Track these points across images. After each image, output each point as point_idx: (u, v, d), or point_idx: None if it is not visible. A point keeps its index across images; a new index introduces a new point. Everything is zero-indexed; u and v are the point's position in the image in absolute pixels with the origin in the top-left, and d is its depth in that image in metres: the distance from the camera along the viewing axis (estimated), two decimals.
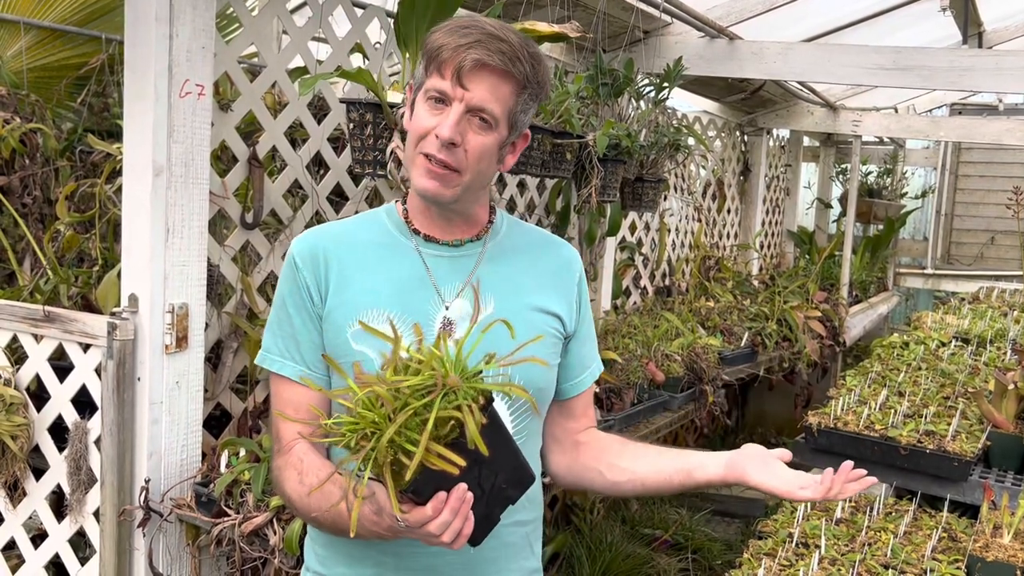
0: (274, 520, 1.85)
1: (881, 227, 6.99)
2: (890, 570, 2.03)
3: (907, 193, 7.32)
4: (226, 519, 1.89)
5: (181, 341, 2.02)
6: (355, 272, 1.34)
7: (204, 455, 2.13)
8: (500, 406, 1.38)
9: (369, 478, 1.07)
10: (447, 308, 1.34)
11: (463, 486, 1.05)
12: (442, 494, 1.05)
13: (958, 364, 3.54)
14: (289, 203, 2.54)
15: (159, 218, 1.93)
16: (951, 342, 4.00)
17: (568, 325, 1.43)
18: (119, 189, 2.04)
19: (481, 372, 1.09)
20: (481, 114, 1.24)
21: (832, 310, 5.14)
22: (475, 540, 1.11)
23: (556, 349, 1.41)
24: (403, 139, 2.10)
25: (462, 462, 0.99)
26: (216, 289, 2.23)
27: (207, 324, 2.19)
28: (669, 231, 4.92)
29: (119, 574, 2.00)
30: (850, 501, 2.46)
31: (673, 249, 5.07)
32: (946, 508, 2.39)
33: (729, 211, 5.70)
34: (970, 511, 2.47)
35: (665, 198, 4.77)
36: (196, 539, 2.01)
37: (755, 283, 5.25)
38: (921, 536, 2.26)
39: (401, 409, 1.01)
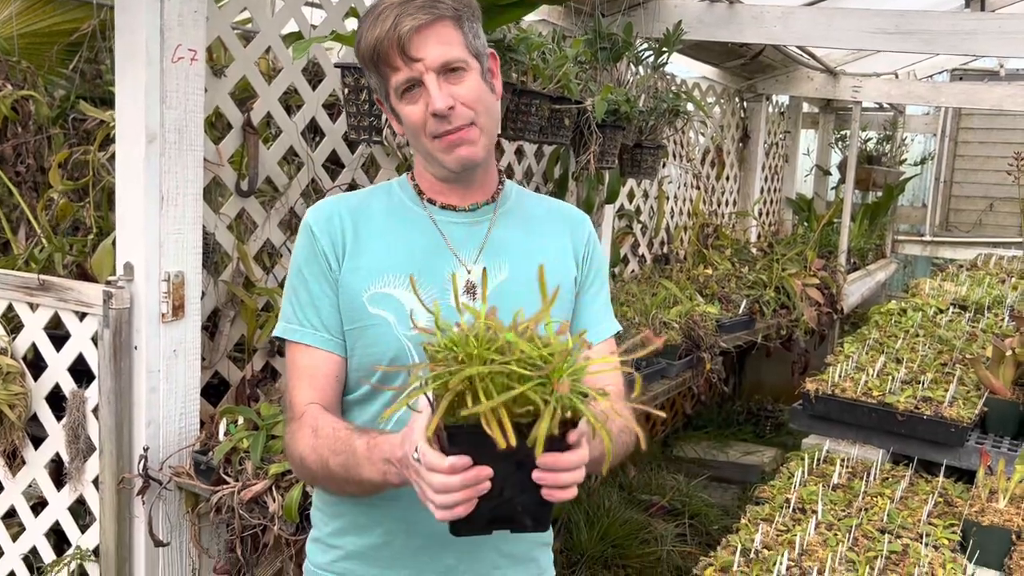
0: (273, 488, 1.86)
1: (880, 194, 6.96)
2: (886, 535, 2.04)
3: (906, 160, 7.28)
4: (225, 487, 1.90)
5: (178, 310, 2.01)
6: (371, 239, 1.34)
7: (203, 424, 2.13)
8: None
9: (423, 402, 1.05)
10: (469, 272, 1.34)
11: (488, 470, 1.02)
12: (467, 459, 1.02)
13: (956, 331, 3.54)
14: (284, 170, 2.51)
15: (153, 185, 1.91)
16: (949, 309, 4.00)
17: (577, 281, 1.43)
18: (112, 156, 2.01)
19: (586, 395, 1.03)
20: (449, 67, 1.25)
21: (830, 277, 5.13)
22: (458, 530, 1.08)
23: (568, 314, 1.42)
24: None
25: (512, 442, 0.95)
26: (212, 257, 2.22)
27: (203, 293, 2.18)
28: (668, 199, 4.90)
29: (119, 541, 2.01)
30: (847, 467, 2.47)
31: (671, 217, 5.05)
32: (942, 474, 2.41)
33: (728, 178, 5.67)
34: (966, 477, 2.48)
35: (664, 165, 4.74)
36: (195, 507, 2.02)
37: (753, 251, 5.24)
38: (917, 501, 2.28)
39: (500, 362, 0.98)
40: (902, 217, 7.53)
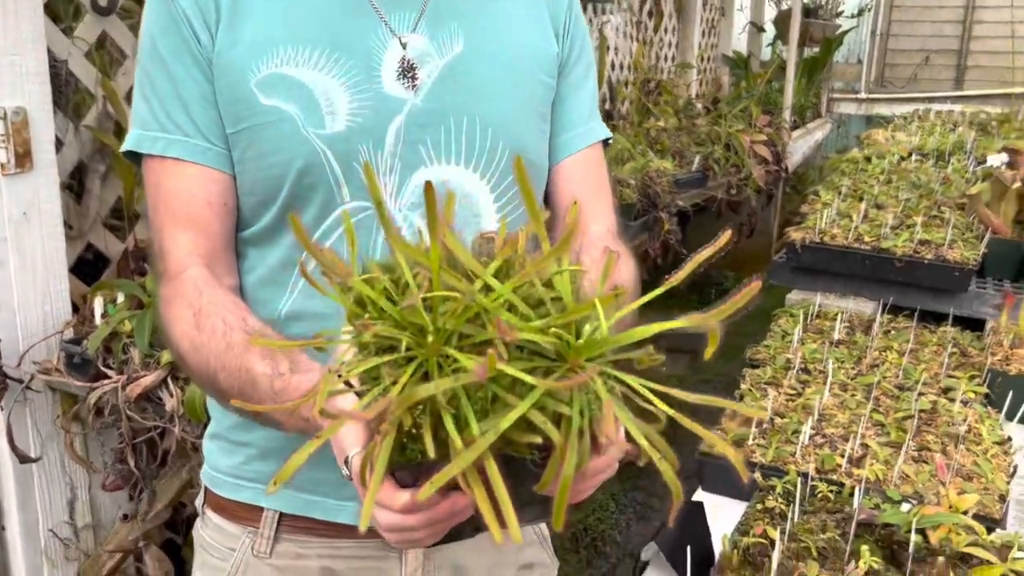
0: (168, 379, 1.44)
1: (817, 49, 6.65)
2: (906, 392, 1.76)
3: (843, 12, 6.95)
4: (106, 382, 1.47)
5: (23, 159, 1.53)
6: None
7: (76, 308, 1.68)
8: (481, 188, 0.99)
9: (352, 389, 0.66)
10: (403, 45, 0.93)
11: (466, 498, 0.64)
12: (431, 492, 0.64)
13: (928, 175, 3.27)
14: None
15: None
16: (911, 156, 3.76)
17: (558, 63, 1.05)
18: None
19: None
20: None
21: (776, 134, 4.85)
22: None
23: (548, 103, 1.03)
24: None
25: (517, 535, 0.57)
26: (67, 94, 1.72)
27: (60, 140, 1.69)
28: (608, 49, 4.45)
29: None
30: (844, 321, 2.18)
31: (612, 70, 4.62)
32: (950, 322, 2.14)
33: (667, 30, 5.23)
34: (970, 325, 2.22)
35: (604, 11, 4.28)
36: (72, 410, 1.59)
37: (698, 106, 4.88)
38: (927, 354, 2.00)
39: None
40: (837, 74, 7.25)
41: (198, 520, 1.10)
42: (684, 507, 1.40)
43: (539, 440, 0.58)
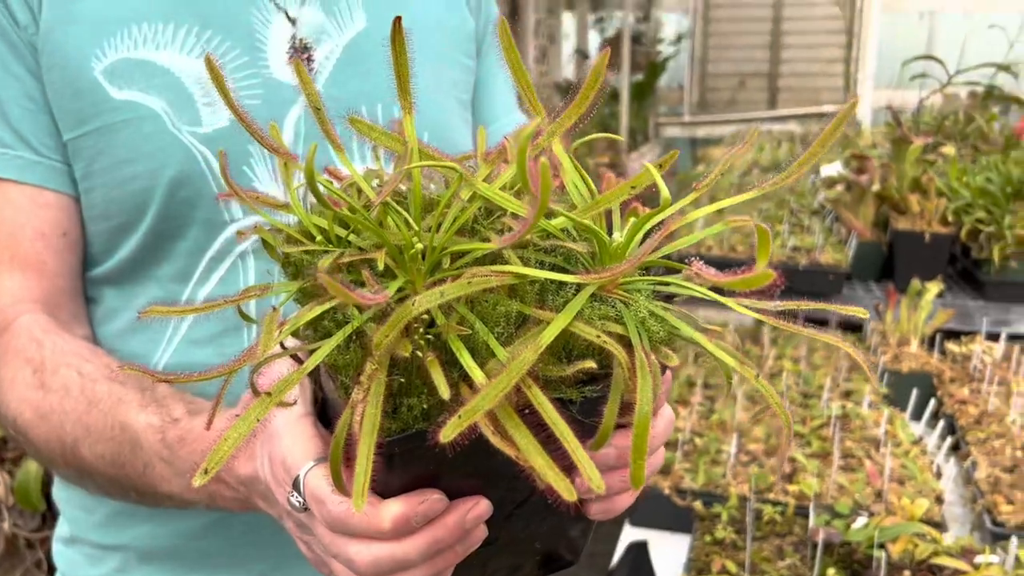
0: None
1: (641, 76, 6.87)
2: (812, 399, 1.72)
3: (664, 39, 7.24)
4: None
5: None
6: None
7: None
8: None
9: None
10: (291, 21, 0.75)
11: (483, 506, 0.48)
12: (432, 498, 0.47)
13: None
14: None
15: None
16: (751, 171, 3.88)
17: (475, 40, 0.91)
18: None
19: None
20: None
21: (617, 157, 4.96)
22: None
23: (469, 88, 0.88)
24: None
25: (568, 492, 0.41)
26: None
27: None
28: None
29: None
30: (731, 332, 2.13)
31: None
32: (834, 325, 2.14)
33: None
34: (847, 327, 2.24)
35: None
36: None
37: None
38: (819, 359, 1.99)
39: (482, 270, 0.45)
40: (662, 99, 7.51)
41: None
42: (627, 550, 1.26)
43: (582, 371, 0.43)
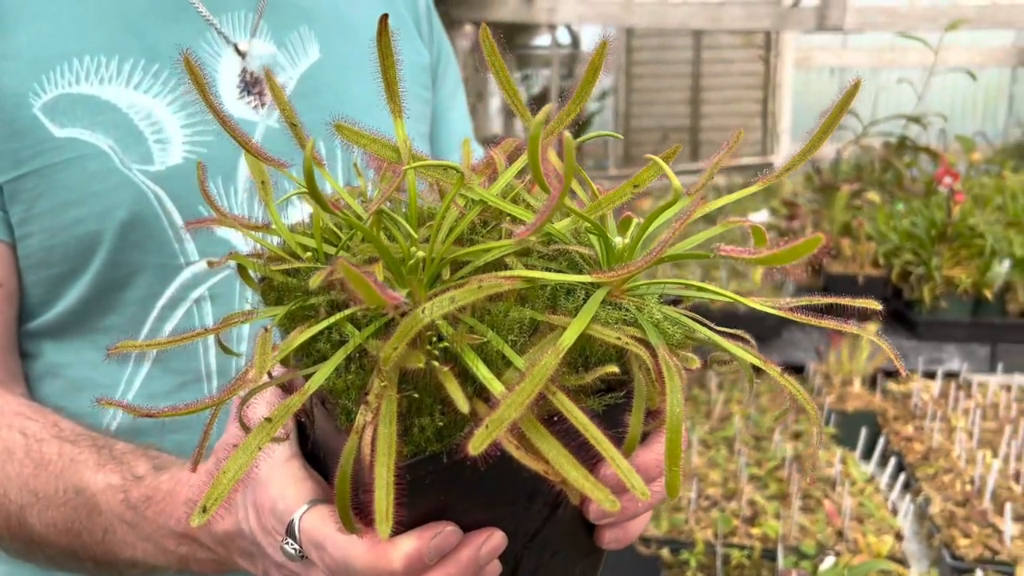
0: None
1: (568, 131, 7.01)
2: (764, 441, 1.73)
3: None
4: None
5: None
6: None
7: None
8: None
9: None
10: (241, 54, 0.73)
11: (498, 537, 0.45)
12: (446, 531, 0.44)
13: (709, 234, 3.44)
14: None
15: None
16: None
17: (431, 72, 0.92)
18: None
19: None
20: None
21: None
22: None
23: (427, 120, 0.89)
24: None
25: (603, 498, 0.38)
26: None
27: None
28: None
29: None
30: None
31: None
32: (779, 371, 2.17)
33: None
34: (788, 369, 2.27)
35: None
36: None
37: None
38: (764, 402, 2.00)
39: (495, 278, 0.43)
40: (589, 154, 7.66)
41: None
42: None
43: (599, 379, 0.42)
